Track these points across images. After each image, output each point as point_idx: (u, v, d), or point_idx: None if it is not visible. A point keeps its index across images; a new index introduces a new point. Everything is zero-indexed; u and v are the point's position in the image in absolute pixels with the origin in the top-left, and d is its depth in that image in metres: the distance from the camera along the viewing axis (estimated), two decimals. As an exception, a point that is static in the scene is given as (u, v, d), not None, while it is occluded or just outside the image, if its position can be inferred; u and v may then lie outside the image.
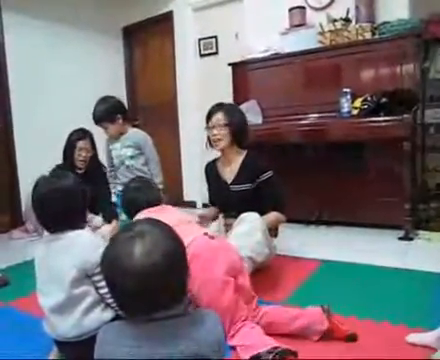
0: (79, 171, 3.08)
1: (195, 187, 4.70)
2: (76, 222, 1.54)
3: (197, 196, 4.72)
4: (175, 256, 0.94)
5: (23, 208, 4.08)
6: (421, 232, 3.09)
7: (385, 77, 3.18)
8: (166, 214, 1.85)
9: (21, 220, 4.03)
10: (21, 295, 2.36)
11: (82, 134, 3.04)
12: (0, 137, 4.01)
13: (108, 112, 2.81)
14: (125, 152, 2.90)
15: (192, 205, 4.74)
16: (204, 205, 4.44)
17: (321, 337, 1.66)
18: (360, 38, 3.26)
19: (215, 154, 2.66)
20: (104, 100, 2.86)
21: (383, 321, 1.80)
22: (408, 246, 2.90)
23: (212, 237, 1.81)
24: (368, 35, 3.23)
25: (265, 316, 1.73)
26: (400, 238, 3.02)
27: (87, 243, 1.47)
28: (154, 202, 2.02)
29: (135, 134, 2.93)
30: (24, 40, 4.13)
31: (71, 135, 3.08)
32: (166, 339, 0.92)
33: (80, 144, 3.02)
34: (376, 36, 3.23)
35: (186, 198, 4.89)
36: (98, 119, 2.84)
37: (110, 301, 1.45)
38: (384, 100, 2.94)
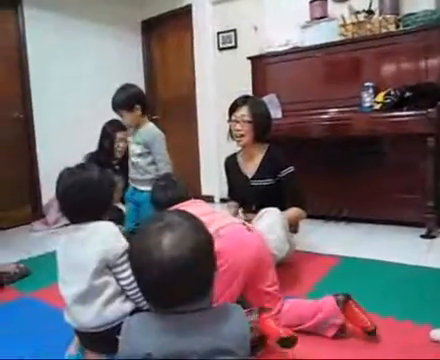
0: (115, 161, 3.16)
1: (213, 181, 4.69)
2: (100, 214, 1.55)
3: (215, 190, 4.72)
4: (203, 250, 0.94)
5: (43, 201, 4.14)
6: (444, 230, 3.02)
7: (409, 71, 3.10)
8: (191, 208, 1.83)
9: (41, 212, 4.09)
10: (41, 286, 2.39)
11: (120, 125, 3.13)
12: (21, 130, 4.07)
13: (128, 98, 2.72)
14: (134, 149, 2.78)
15: (210, 200, 4.73)
16: (222, 200, 4.43)
17: (338, 333, 1.62)
18: (383, 30, 3.18)
19: (233, 148, 2.63)
20: (125, 88, 2.78)
21: (405, 320, 1.76)
22: (430, 244, 2.83)
23: (249, 229, 1.78)
24: (392, 27, 3.15)
25: (284, 319, 1.69)
26: (422, 236, 2.95)
27: (109, 234, 1.48)
28: (180, 199, 2.00)
29: (146, 131, 2.77)
30: (44, 34, 4.17)
31: (108, 126, 3.15)
32: (192, 332, 0.91)
33: (119, 135, 3.15)
34: (400, 28, 3.15)
35: (204, 192, 4.88)
36: (116, 105, 2.73)
37: (130, 293, 1.45)
38: (408, 94, 2.87)
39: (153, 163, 2.75)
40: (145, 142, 2.72)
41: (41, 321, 1.99)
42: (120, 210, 3.00)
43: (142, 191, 2.72)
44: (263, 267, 1.71)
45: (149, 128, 2.79)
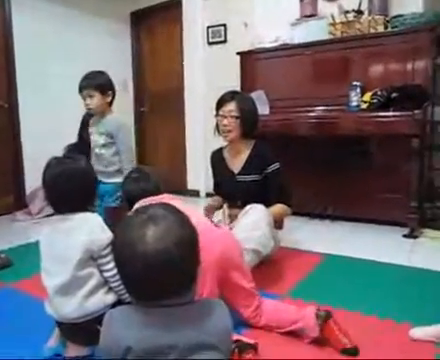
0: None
1: (199, 176, 4.68)
2: (86, 205, 1.54)
3: (201, 185, 4.71)
4: (187, 243, 0.93)
5: (27, 190, 4.07)
6: (426, 230, 3.06)
7: (396, 72, 3.13)
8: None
9: (25, 202, 4.03)
10: (23, 277, 2.36)
11: None
12: (5, 119, 4.00)
13: (105, 81, 2.61)
14: (97, 139, 2.61)
15: (195, 194, 4.73)
16: (208, 194, 4.42)
17: (313, 341, 1.60)
18: (372, 31, 3.21)
19: (220, 143, 2.63)
20: (102, 72, 2.67)
21: (387, 318, 1.79)
22: (413, 244, 2.87)
23: (217, 226, 1.78)
24: (380, 28, 3.18)
25: (263, 318, 1.70)
26: (405, 236, 3.00)
27: (94, 225, 1.47)
28: (153, 192, 1.98)
29: (110, 121, 2.62)
30: (31, 22, 4.10)
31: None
32: (174, 326, 0.91)
33: None
34: (389, 29, 3.18)
35: (190, 186, 4.87)
36: (93, 85, 2.56)
37: (114, 285, 1.44)
38: (394, 95, 2.90)
39: (117, 154, 2.62)
40: (109, 132, 2.59)
41: (22, 312, 1.97)
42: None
43: (105, 183, 2.55)
44: (233, 264, 1.68)
45: (114, 118, 2.65)
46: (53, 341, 1.60)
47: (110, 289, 1.47)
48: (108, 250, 1.43)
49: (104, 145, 2.60)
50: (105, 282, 1.47)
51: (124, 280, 0.96)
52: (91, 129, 2.68)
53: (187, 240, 0.93)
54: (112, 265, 1.42)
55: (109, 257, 1.43)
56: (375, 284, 2.20)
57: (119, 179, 2.42)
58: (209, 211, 2.50)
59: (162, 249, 0.88)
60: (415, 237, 2.97)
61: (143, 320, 0.91)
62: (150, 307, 0.92)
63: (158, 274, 0.88)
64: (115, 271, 1.41)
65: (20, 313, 1.96)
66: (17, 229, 3.55)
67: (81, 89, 2.57)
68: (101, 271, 1.46)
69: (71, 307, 1.43)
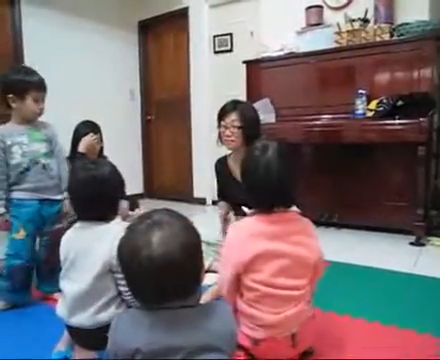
0: None
1: (205, 184, 4.70)
2: (109, 211, 1.55)
3: (207, 193, 4.73)
4: (192, 247, 0.95)
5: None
6: (433, 238, 3.05)
7: (402, 80, 3.14)
8: None
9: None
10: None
11: (93, 127, 2.98)
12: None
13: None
14: (38, 148, 2.13)
15: (202, 202, 4.74)
16: (214, 202, 4.43)
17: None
18: (378, 39, 3.22)
19: (226, 150, 2.64)
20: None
21: (392, 325, 1.78)
22: (419, 252, 2.86)
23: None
24: (386, 36, 3.19)
25: None
26: (411, 243, 2.99)
27: (117, 238, 1.44)
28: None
29: (45, 124, 2.24)
30: (41, 31, 4.16)
31: (80, 127, 2.99)
32: (180, 328, 0.92)
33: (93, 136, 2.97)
34: (394, 37, 3.19)
35: (196, 194, 4.89)
36: (45, 86, 2.19)
37: (127, 298, 1.44)
38: (400, 103, 2.91)
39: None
40: (49, 137, 2.21)
41: (31, 315, 1.98)
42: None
43: (55, 201, 2.16)
44: None
45: (44, 122, 2.26)
46: (61, 345, 1.62)
47: (122, 301, 1.48)
48: None
49: (47, 154, 2.17)
50: (118, 295, 1.48)
51: (130, 284, 0.97)
52: (17, 139, 2.08)
53: (192, 244, 0.95)
54: None
55: None
56: (380, 291, 2.19)
57: (61, 195, 2.18)
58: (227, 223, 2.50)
59: (167, 253, 0.90)
60: (421, 245, 2.96)
61: (150, 323, 0.92)
62: (156, 310, 0.93)
63: (164, 278, 0.90)
64: None
65: (28, 317, 1.98)
66: None
67: (44, 88, 2.18)
68: (117, 284, 1.47)
69: (85, 317, 1.45)
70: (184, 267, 0.91)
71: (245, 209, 1.54)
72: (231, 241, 1.46)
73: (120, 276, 1.43)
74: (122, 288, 1.45)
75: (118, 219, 1.63)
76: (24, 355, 1.63)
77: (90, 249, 1.46)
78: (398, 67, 3.15)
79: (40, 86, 2.12)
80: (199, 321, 0.94)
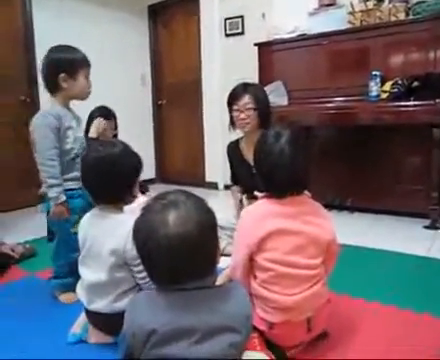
0: None
1: (217, 168, 4.69)
2: (123, 193, 1.53)
3: (219, 177, 4.72)
4: (208, 227, 0.95)
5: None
6: (448, 222, 3.01)
7: (417, 60, 3.07)
8: None
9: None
10: (47, 266, 2.41)
11: (106, 112, 2.98)
12: (27, 113, 4.06)
13: None
14: (82, 134, 2.09)
15: (214, 186, 4.75)
16: (226, 186, 4.44)
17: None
18: (393, 18, 3.15)
19: (237, 134, 2.63)
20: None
21: (406, 308, 1.77)
22: (434, 235, 2.83)
23: None
24: (401, 15, 3.11)
25: None
26: (426, 227, 2.96)
27: (128, 234, 1.35)
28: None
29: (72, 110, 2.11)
30: (51, 18, 4.15)
31: (93, 112, 3.00)
32: (196, 309, 0.93)
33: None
34: (410, 16, 3.11)
35: (208, 179, 4.89)
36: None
37: (145, 287, 1.45)
38: (416, 84, 2.85)
39: None
40: (81, 123, 2.14)
41: (46, 300, 2.02)
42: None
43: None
44: None
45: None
46: (77, 327, 1.65)
47: (140, 290, 1.48)
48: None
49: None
50: (136, 285, 1.49)
51: (146, 265, 0.98)
52: (71, 123, 1.98)
53: (207, 225, 0.95)
54: (145, 274, 1.34)
55: (142, 266, 1.42)
56: (395, 275, 2.19)
57: None
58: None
59: (183, 233, 0.90)
60: (436, 228, 2.92)
61: (166, 303, 0.93)
62: (173, 291, 0.94)
63: (180, 258, 0.90)
64: (147, 279, 1.36)
65: (44, 300, 2.02)
66: (40, 221, 3.62)
67: (90, 64, 2.11)
68: (133, 276, 1.48)
69: (102, 304, 1.48)
70: (200, 246, 0.92)
71: (257, 193, 1.55)
72: (243, 224, 1.47)
73: (137, 269, 1.45)
74: (140, 280, 1.46)
75: (142, 198, 1.62)
76: (41, 337, 1.67)
77: (104, 240, 1.47)
78: (413, 47, 3.08)
79: (88, 62, 2.07)
80: (215, 302, 0.94)
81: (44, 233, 3.08)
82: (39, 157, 1.92)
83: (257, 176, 1.51)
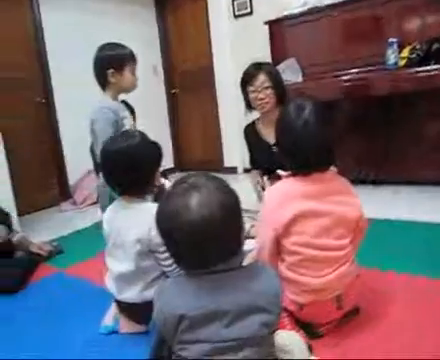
0: None
1: (236, 152, 4.66)
2: (143, 184, 1.53)
3: (238, 162, 4.69)
4: (231, 208, 0.93)
5: (70, 181, 4.22)
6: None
7: (435, 22, 2.94)
8: None
9: (69, 193, 4.18)
10: (74, 262, 2.47)
11: (128, 108, 3.02)
12: (43, 113, 4.12)
13: None
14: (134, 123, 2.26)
15: (233, 171, 4.72)
16: (245, 170, 4.41)
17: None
18: (406, -19, 3.02)
19: (253, 115, 2.59)
20: None
21: (438, 278, 1.73)
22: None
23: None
24: (415, -23, 2.99)
25: None
26: (453, 194, 2.87)
27: (152, 221, 1.39)
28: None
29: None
30: (60, 15, 4.15)
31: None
32: (225, 291, 0.92)
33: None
34: (424, -23, 2.99)
35: (226, 164, 4.87)
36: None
37: (173, 274, 1.45)
38: (436, 47, 2.74)
39: None
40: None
41: (76, 295, 2.06)
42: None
43: None
44: None
45: None
46: (108, 319, 1.67)
47: (168, 278, 1.48)
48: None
49: None
50: (163, 273, 1.50)
51: (172, 251, 0.97)
52: (125, 113, 2.19)
53: (230, 205, 0.93)
54: (171, 261, 1.40)
55: (167, 253, 1.41)
56: (422, 245, 2.14)
57: None
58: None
59: (207, 215, 0.88)
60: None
61: (194, 288, 0.93)
62: (201, 274, 0.93)
63: (205, 241, 0.89)
64: (174, 266, 1.42)
65: (73, 296, 2.05)
66: (64, 219, 3.70)
67: (136, 59, 2.24)
68: (159, 263, 1.48)
69: (131, 293, 1.50)
70: (224, 228, 0.90)
71: (280, 172, 1.50)
72: (268, 204, 1.44)
73: (162, 256, 1.45)
74: (165, 268, 1.47)
75: (167, 182, 1.64)
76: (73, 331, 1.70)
77: (128, 230, 1.47)
78: (430, 9, 2.95)
79: (134, 57, 2.20)
80: (244, 283, 0.93)
81: (68, 231, 3.15)
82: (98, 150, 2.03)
83: (280, 154, 1.47)
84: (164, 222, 0.95)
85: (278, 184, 1.49)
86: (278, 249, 1.42)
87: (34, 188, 3.94)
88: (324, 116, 1.38)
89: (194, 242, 0.89)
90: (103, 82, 2.14)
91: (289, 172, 1.45)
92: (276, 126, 1.47)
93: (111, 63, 2.10)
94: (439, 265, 1.87)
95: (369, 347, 1.36)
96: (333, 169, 1.47)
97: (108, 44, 2.24)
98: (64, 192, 4.22)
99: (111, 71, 2.09)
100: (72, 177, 4.21)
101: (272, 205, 1.41)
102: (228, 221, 0.91)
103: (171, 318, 0.91)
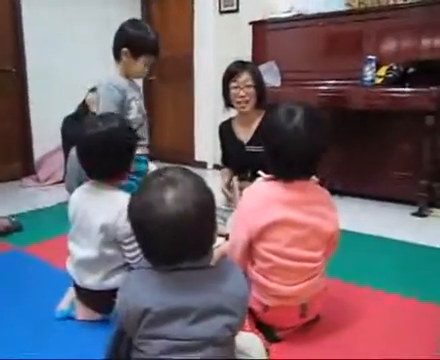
0: None
1: (207, 147, 4.65)
2: (119, 169, 1.51)
3: (209, 157, 4.68)
4: (206, 206, 0.92)
5: (35, 157, 4.08)
6: (435, 210, 3.04)
7: (413, 46, 3.04)
8: None
9: (33, 169, 4.03)
10: (32, 241, 2.38)
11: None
12: (13, 84, 3.95)
13: None
14: (142, 105, 2.20)
15: (203, 165, 4.71)
16: (215, 166, 4.41)
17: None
18: (391, 2, 3.12)
19: (229, 114, 2.59)
20: None
21: (395, 293, 1.79)
22: (421, 222, 2.87)
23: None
24: (399, 0, 3.08)
25: None
26: (413, 214, 2.98)
27: (122, 212, 1.37)
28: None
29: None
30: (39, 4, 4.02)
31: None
32: (192, 289, 0.91)
33: None
34: (408, 1, 3.08)
35: (197, 158, 4.85)
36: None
37: (135, 266, 1.42)
38: (411, 70, 2.84)
39: None
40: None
41: (32, 275, 2.00)
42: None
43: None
44: None
45: None
46: (64, 304, 1.62)
47: (131, 269, 1.45)
48: (132, 238, 1.33)
49: None
50: (126, 264, 1.48)
51: (142, 243, 0.95)
52: (134, 94, 2.08)
53: (205, 203, 0.92)
54: (136, 253, 1.40)
55: (133, 245, 1.40)
56: (383, 260, 2.21)
57: None
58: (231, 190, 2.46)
59: (182, 211, 0.87)
60: (423, 216, 2.95)
61: (161, 283, 0.91)
62: (168, 271, 0.92)
63: (177, 236, 0.88)
64: (138, 258, 1.40)
65: (30, 276, 1.99)
66: (25, 195, 3.57)
67: (158, 53, 2.15)
68: (123, 255, 1.46)
69: (92, 280, 1.46)
70: (198, 225, 0.89)
71: (261, 173, 1.48)
72: (246, 205, 1.42)
73: (127, 248, 1.43)
74: (129, 260, 1.45)
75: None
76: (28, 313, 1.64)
77: (94, 216, 1.44)
78: (410, 32, 3.04)
79: (155, 51, 2.08)
80: (212, 282, 0.93)
81: (29, 207, 3.04)
82: None
83: (264, 156, 1.43)
84: (137, 213, 0.93)
85: (256, 186, 1.47)
86: (249, 252, 1.41)
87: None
88: (315, 123, 1.36)
89: (166, 237, 0.88)
90: (115, 55, 2.06)
91: (270, 176, 1.42)
92: (263, 127, 1.45)
93: (130, 43, 1.99)
94: (396, 281, 1.94)
95: (329, 354, 1.39)
96: (314, 179, 1.46)
97: (138, 22, 2.14)
98: (27, 167, 4.08)
99: (125, 50, 1.99)
100: (38, 153, 4.07)
101: (250, 207, 1.40)
102: (202, 219, 0.90)
103: (135, 311, 0.89)
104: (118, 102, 1.96)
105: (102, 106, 1.94)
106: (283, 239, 1.33)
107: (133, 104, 2.04)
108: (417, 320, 1.60)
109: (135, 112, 2.05)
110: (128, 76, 2.08)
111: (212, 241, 0.96)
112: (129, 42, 1.99)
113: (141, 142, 2.04)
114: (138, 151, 2.02)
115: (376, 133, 3.25)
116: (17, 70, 3.95)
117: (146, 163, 2.09)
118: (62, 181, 3.42)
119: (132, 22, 2.07)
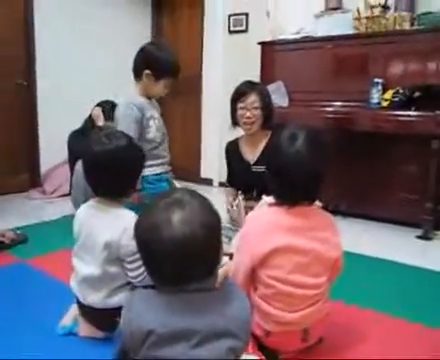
0: None
1: (213, 164, 4.66)
2: (125, 187, 1.51)
3: (214, 174, 4.70)
4: (213, 228, 0.93)
5: (42, 169, 4.11)
6: (440, 233, 3.03)
7: (420, 71, 3.06)
8: None
9: (39, 181, 4.07)
10: (37, 254, 2.39)
11: (104, 104, 3.04)
12: (23, 96, 4.01)
13: None
14: (163, 123, 2.28)
15: (208, 183, 4.73)
16: (221, 184, 4.42)
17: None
18: (398, 27, 3.14)
19: (236, 133, 2.61)
20: None
21: (400, 317, 1.78)
22: (426, 245, 2.85)
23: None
24: (406, 25, 3.11)
25: None
26: (418, 237, 2.97)
27: (126, 230, 1.39)
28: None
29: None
30: (52, 10, 4.10)
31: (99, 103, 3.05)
32: (196, 311, 0.91)
33: None
34: (415, 26, 3.11)
35: (203, 175, 4.87)
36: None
37: (139, 285, 1.42)
38: (417, 94, 2.85)
39: None
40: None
41: (36, 288, 2.00)
42: None
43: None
44: None
45: None
46: (67, 319, 1.62)
47: (134, 288, 1.45)
48: (137, 256, 1.34)
49: None
50: (130, 282, 1.48)
51: (148, 264, 0.96)
52: (152, 112, 2.15)
53: (212, 225, 0.93)
54: (139, 272, 1.41)
55: (136, 263, 1.40)
56: (387, 283, 2.20)
57: None
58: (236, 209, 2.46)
59: (188, 233, 0.88)
60: (428, 239, 2.94)
61: (166, 304, 0.91)
62: (173, 292, 0.92)
63: (183, 258, 0.88)
64: (141, 277, 1.41)
65: (34, 289, 1.99)
66: (31, 207, 3.59)
67: (178, 75, 2.22)
68: (126, 273, 1.46)
69: (96, 298, 1.46)
70: (204, 247, 0.90)
71: (265, 197, 1.48)
72: (249, 230, 1.42)
73: (129, 266, 1.43)
74: (132, 279, 1.44)
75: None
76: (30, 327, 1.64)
77: (99, 234, 1.44)
78: (417, 57, 3.07)
79: (176, 74, 2.15)
80: (217, 305, 0.93)
81: (35, 220, 3.06)
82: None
83: (268, 179, 1.43)
84: (144, 233, 0.94)
85: (260, 212, 1.47)
86: (252, 277, 1.40)
87: (2, 170, 3.81)
88: (317, 147, 1.36)
89: (172, 258, 0.88)
90: (136, 74, 2.12)
91: (273, 200, 1.42)
92: (268, 150, 1.45)
93: (152, 66, 2.06)
94: (401, 305, 1.92)
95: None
96: (318, 203, 1.45)
97: (162, 45, 2.25)
98: (34, 179, 4.11)
99: (148, 72, 2.06)
100: (45, 165, 4.11)
101: (253, 232, 1.39)
102: (208, 241, 0.90)
103: (139, 332, 0.89)
104: (137, 119, 2.02)
105: (122, 124, 1.99)
106: (286, 266, 1.33)
107: (151, 123, 2.11)
108: (420, 344, 1.58)
109: (154, 130, 2.12)
110: (147, 96, 2.14)
111: (218, 262, 0.96)
112: (152, 64, 2.05)
113: (160, 160, 2.13)
114: (158, 169, 2.14)
115: (382, 155, 3.26)
116: (28, 83, 4.01)
117: (168, 181, 2.14)
118: (68, 194, 3.44)
119: (155, 44, 2.16)
